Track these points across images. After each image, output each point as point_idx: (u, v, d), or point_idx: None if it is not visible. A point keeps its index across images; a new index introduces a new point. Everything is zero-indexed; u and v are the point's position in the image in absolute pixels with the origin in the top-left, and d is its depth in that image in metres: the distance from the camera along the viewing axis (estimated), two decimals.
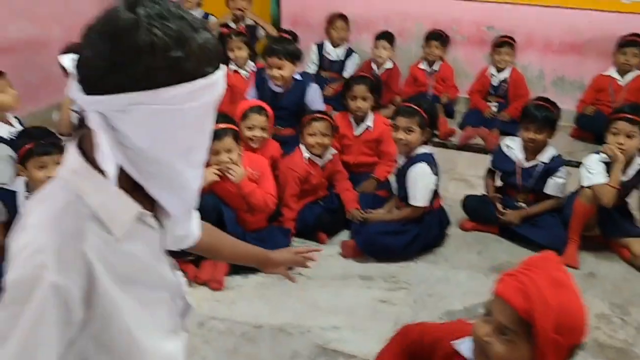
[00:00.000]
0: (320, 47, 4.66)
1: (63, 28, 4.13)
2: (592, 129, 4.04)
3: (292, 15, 5.00)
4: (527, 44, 4.52)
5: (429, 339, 1.38)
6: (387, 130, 3.07)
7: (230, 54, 3.82)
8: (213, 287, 2.45)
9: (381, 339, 2.18)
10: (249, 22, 4.53)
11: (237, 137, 2.61)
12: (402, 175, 2.76)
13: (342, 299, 2.44)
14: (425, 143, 2.73)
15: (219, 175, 2.54)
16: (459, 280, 2.59)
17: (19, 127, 2.70)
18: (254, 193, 2.62)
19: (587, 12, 4.31)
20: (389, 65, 4.53)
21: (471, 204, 3.03)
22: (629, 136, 2.65)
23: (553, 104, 2.91)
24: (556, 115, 2.87)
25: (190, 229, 1.09)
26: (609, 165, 2.69)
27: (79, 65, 0.77)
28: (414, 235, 2.71)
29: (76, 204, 0.81)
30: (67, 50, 2.91)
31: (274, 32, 4.51)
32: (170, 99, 0.74)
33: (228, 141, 2.53)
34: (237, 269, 2.52)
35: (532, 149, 2.87)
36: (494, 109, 4.36)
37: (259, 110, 2.89)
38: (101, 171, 0.79)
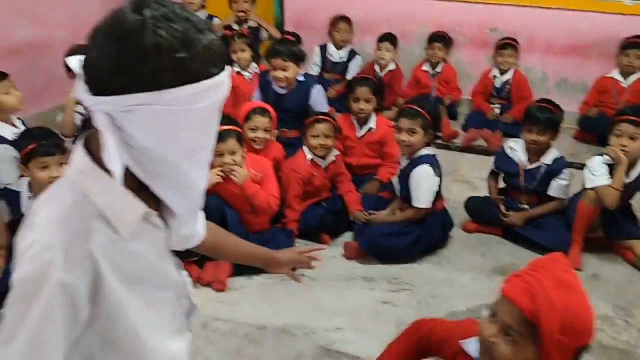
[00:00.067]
0: (323, 49, 4.67)
1: (67, 31, 4.15)
2: (596, 131, 4.04)
3: (295, 18, 5.01)
4: (530, 46, 4.52)
5: (436, 336, 1.38)
6: (390, 132, 3.07)
7: (234, 56, 3.83)
8: (216, 289, 2.46)
9: (384, 340, 2.19)
10: (253, 24, 4.54)
11: (241, 139, 2.62)
12: (405, 176, 2.77)
13: (345, 300, 2.44)
14: (428, 145, 2.73)
15: (222, 177, 2.55)
16: (462, 282, 2.59)
17: (23, 129, 2.71)
18: (257, 195, 2.63)
19: (590, 14, 4.31)
20: (391, 67, 4.53)
21: (474, 206, 3.03)
22: (632, 138, 2.64)
23: (556, 106, 2.91)
24: (559, 117, 2.87)
25: (196, 229, 1.09)
26: (612, 168, 2.68)
27: (86, 67, 0.78)
28: (417, 237, 2.72)
29: (83, 203, 0.82)
30: (72, 52, 2.94)
31: (277, 34, 4.52)
32: (176, 99, 0.75)
33: (232, 143, 2.54)
34: (241, 271, 2.53)
35: (535, 151, 2.87)
36: (497, 111, 4.36)
37: (262, 112, 2.90)
38: (108, 171, 0.80)
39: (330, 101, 3.97)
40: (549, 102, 2.95)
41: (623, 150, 2.64)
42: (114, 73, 0.74)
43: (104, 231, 0.82)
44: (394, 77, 4.55)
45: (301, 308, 2.37)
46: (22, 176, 2.29)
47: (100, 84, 0.76)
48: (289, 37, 4.15)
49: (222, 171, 2.54)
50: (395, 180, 3.08)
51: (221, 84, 0.80)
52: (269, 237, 2.69)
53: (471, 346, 1.22)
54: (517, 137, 3.02)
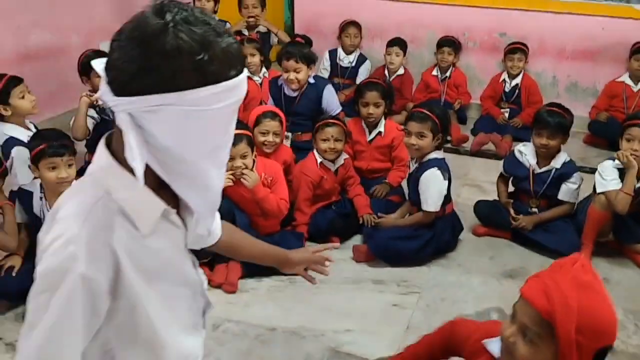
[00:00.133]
0: (332, 53, 4.71)
1: (81, 36, 4.22)
2: (605, 135, 4.03)
3: (305, 23, 5.05)
4: (540, 51, 4.52)
5: (459, 335, 1.40)
6: (399, 136, 3.09)
7: None
8: (227, 290, 2.48)
9: (393, 342, 2.21)
10: (262, 29, 4.58)
11: (251, 142, 2.65)
12: (414, 180, 2.78)
13: (354, 302, 2.46)
14: (437, 148, 2.74)
15: (233, 180, 2.58)
16: (472, 285, 2.60)
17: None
18: (267, 198, 2.65)
19: (600, 19, 4.31)
20: (401, 72, 4.56)
21: (483, 210, 3.03)
22: None
23: (566, 109, 2.91)
24: (569, 121, 2.87)
25: (212, 228, 1.12)
26: (622, 172, 2.68)
27: (109, 68, 0.80)
28: (426, 240, 2.72)
29: (105, 199, 0.85)
30: (86, 57, 2.97)
31: (287, 39, 4.55)
32: (195, 100, 0.78)
33: (242, 147, 2.56)
34: (251, 272, 2.55)
35: (544, 155, 2.87)
36: (506, 115, 4.36)
37: (273, 115, 2.93)
38: (129, 169, 0.83)
39: (340, 105, 4.00)
40: (559, 106, 2.95)
41: (633, 155, 2.64)
42: (136, 74, 0.77)
43: (125, 227, 0.85)
44: (403, 82, 4.56)
45: (310, 310, 2.39)
46: (35, 177, 2.33)
47: (122, 85, 0.78)
48: (300, 39, 4.20)
49: (232, 174, 2.57)
50: (404, 183, 3.09)
51: (239, 85, 0.82)
52: (279, 240, 2.70)
53: (493, 345, 1.24)
54: (527, 141, 3.02)
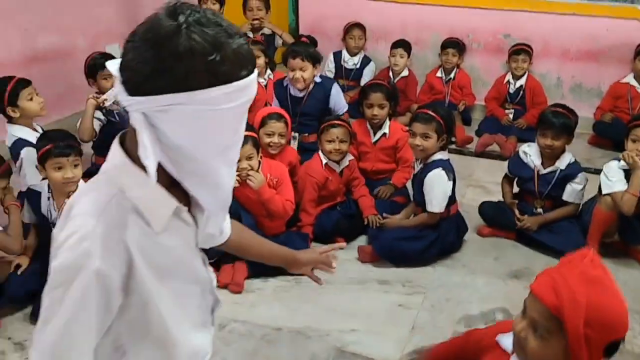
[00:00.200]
0: (337, 55, 4.73)
1: (87, 39, 4.25)
2: (610, 136, 4.03)
3: (309, 25, 5.07)
4: (545, 52, 4.52)
5: (474, 339, 1.41)
6: (404, 137, 3.10)
7: None
8: (233, 290, 2.50)
9: (399, 342, 2.22)
10: (267, 31, 4.60)
11: (257, 144, 2.67)
12: (418, 181, 2.79)
13: (359, 303, 2.46)
14: (442, 149, 2.75)
15: (238, 181, 2.59)
16: (476, 286, 2.61)
17: None
18: (273, 199, 2.67)
19: (604, 20, 4.31)
20: (405, 73, 4.57)
21: (488, 210, 3.04)
22: None
23: (570, 110, 2.92)
24: (573, 121, 2.87)
25: (223, 227, 1.13)
26: (628, 173, 2.68)
27: (123, 69, 0.82)
28: (431, 241, 2.73)
29: (119, 197, 0.86)
30: (92, 59, 2.99)
31: (291, 40, 4.57)
32: (207, 100, 0.80)
33: (248, 148, 2.58)
34: (257, 273, 2.57)
35: (549, 155, 2.88)
36: (511, 117, 4.37)
37: (278, 117, 2.94)
38: (142, 168, 0.85)
39: (346, 104, 4.02)
40: (563, 106, 2.96)
41: (639, 155, 2.64)
42: (149, 75, 0.79)
43: (138, 224, 0.87)
44: (408, 83, 4.58)
45: (316, 310, 2.40)
46: (43, 178, 2.35)
47: (136, 85, 0.80)
48: (305, 39, 4.22)
49: (238, 176, 2.58)
50: (409, 184, 3.10)
51: (249, 85, 0.84)
52: (284, 241, 2.71)
53: (506, 340, 1.25)
54: (531, 142, 3.02)
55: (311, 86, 3.44)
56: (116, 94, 0.83)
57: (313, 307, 2.41)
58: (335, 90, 3.51)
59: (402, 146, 3.19)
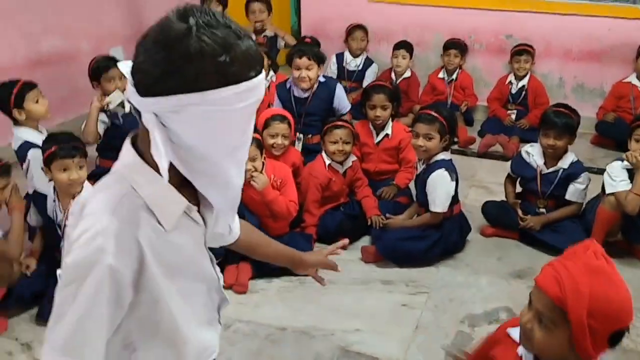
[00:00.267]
0: (339, 57, 4.74)
1: (91, 42, 4.28)
2: (613, 135, 4.04)
3: (311, 27, 5.08)
4: (547, 52, 4.53)
5: (492, 339, 1.43)
6: (407, 138, 3.11)
7: None
8: (237, 291, 2.51)
9: (402, 342, 2.23)
10: (270, 33, 4.62)
11: (260, 145, 2.68)
12: (421, 181, 2.80)
13: (363, 302, 2.47)
14: (445, 150, 2.76)
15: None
16: (480, 285, 2.61)
17: None
18: (277, 200, 2.68)
19: (606, 20, 4.31)
20: (407, 74, 4.58)
21: (491, 210, 3.05)
22: None
23: (572, 110, 2.92)
24: (576, 121, 2.87)
25: (232, 226, 1.15)
26: (632, 172, 2.68)
27: (135, 71, 0.84)
28: (434, 241, 2.74)
29: (131, 195, 0.88)
30: (95, 62, 3.02)
31: (294, 42, 4.60)
32: (217, 100, 0.81)
33: (252, 149, 2.59)
34: (261, 273, 2.58)
35: (552, 155, 2.88)
36: (513, 117, 4.37)
37: (281, 118, 2.96)
38: (153, 167, 0.86)
39: (349, 104, 4.04)
40: (566, 106, 2.96)
41: None
42: (161, 76, 0.80)
43: (150, 222, 0.88)
44: (410, 84, 4.59)
45: (320, 310, 2.41)
46: (50, 180, 2.37)
47: (148, 87, 0.82)
48: (309, 40, 4.24)
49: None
50: (411, 185, 3.11)
51: (258, 85, 0.85)
52: (288, 241, 2.69)
53: (515, 332, 1.28)
54: (534, 142, 3.03)
55: (315, 86, 3.46)
56: (128, 94, 0.85)
57: (317, 307, 2.42)
58: (340, 90, 3.54)
59: (405, 147, 3.20)
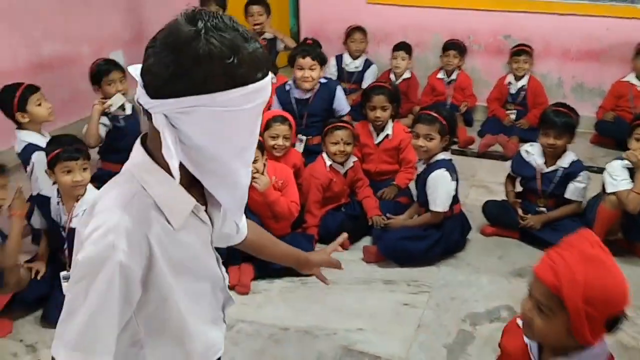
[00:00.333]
0: (339, 59, 4.76)
1: (92, 46, 4.30)
2: (613, 134, 4.06)
3: (310, 29, 5.10)
4: (545, 52, 4.54)
5: (504, 330, 1.46)
6: (407, 138, 3.13)
7: None
8: (240, 291, 2.53)
9: (405, 341, 2.25)
10: (269, 35, 4.64)
11: (262, 147, 2.70)
12: (422, 181, 2.82)
13: (365, 302, 2.49)
14: (445, 150, 2.78)
15: None
16: (481, 284, 2.63)
17: None
18: (278, 201, 2.69)
19: (604, 19, 4.33)
20: (407, 75, 4.60)
21: (491, 210, 3.06)
22: None
23: (572, 109, 2.94)
24: (575, 120, 2.89)
25: (240, 226, 1.17)
26: (632, 171, 2.70)
27: (144, 73, 0.86)
28: (435, 240, 2.76)
29: (141, 194, 0.90)
30: (97, 66, 3.03)
31: (293, 44, 4.61)
32: (225, 102, 0.83)
33: None
34: (263, 274, 2.60)
35: (551, 154, 2.90)
36: (513, 117, 4.39)
37: (282, 120, 2.98)
38: (163, 167, 0.88)
39: (348, 106, 4.05)
40: (565, 105, 2.97)
41: None
42: (170, 78, 0.82)
43: (159, 220, 0.90)
44: (410, 85, 4.60)
45: (322, 310, 2.42)
46: (54, 182, 2.39)
47: (158, 88, 0.83)
48: (310, 42, 4.26)
49: None
50: (412, 185, 3.13)
51: (265, 87, 0.87)
52: (290, 242, 2.67)
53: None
54: (533, 142, 3.05)
55: (317, 87, 3.48)
56: (138, 96, 0.86)
57: (319, 307, 2.44)
58: (340, 91, 3.57)
59: (405, 147, 3.21)
